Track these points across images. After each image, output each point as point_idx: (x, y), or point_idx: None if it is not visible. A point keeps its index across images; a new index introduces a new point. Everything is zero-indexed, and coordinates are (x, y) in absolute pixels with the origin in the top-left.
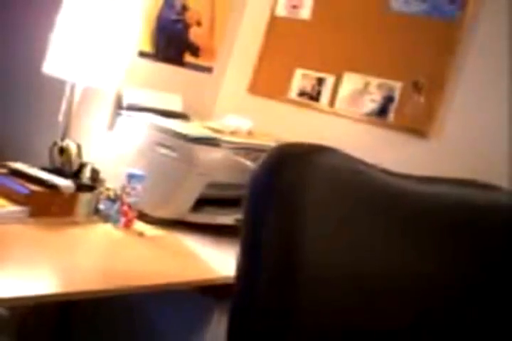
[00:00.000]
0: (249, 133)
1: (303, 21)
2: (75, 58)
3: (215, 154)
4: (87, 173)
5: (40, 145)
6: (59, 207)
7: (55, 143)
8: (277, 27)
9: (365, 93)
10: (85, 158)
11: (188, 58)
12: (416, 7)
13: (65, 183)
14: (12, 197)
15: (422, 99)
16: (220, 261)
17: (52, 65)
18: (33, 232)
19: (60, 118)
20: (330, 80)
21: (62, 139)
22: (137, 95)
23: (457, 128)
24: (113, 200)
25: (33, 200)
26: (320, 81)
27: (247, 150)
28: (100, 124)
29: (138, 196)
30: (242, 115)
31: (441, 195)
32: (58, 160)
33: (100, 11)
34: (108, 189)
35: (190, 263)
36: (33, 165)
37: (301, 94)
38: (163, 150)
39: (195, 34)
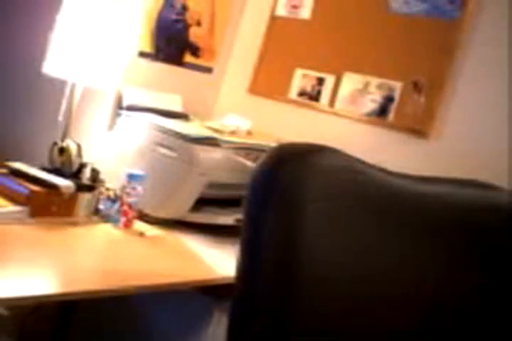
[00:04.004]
0: (249, 133)
1: (303, 21)
2: (75, 58)
3: (215, 154)
4: (87, 173)
5: (40, 145)
6: (59, 207)
7: (55, 143)
8: (277, 27)
9: (365, 93)
10: (85, 158)
11: (188, 58)
12: (416, 7)
13: (65, 183)
14: (12, 197)
15: (422, 99)
16: (220, 261)
17: (52, 65)
18: (33, 232)
19: (60, 118)
20: (330, 80)
21: (62, 139)
22: (137, 95)
23: (457, 128)
24: (113, 200)
25: (33, 200)
26: (320, 81)
27: (247, 150)
28: (100, 124)
29: (138, 196)
30: (242, 115)
31: (440, 194)
32: (58, 160)
33: (100, 11)
34: (108, 189)
35: (190, 263)
36: (33, 165)
37: (301, 94)
38: (163, 150)
39: (195, 34)
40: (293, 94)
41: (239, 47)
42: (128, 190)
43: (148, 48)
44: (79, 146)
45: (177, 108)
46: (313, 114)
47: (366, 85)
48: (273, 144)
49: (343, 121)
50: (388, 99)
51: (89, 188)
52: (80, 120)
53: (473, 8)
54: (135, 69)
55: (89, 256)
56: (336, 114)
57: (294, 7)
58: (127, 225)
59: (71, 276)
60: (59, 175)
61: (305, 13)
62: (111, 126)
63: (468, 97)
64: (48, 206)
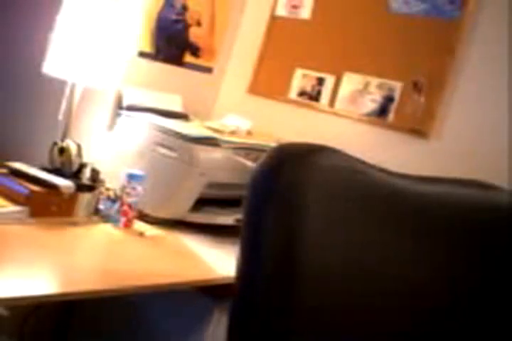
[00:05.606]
0: (249, 133)
1: (303, 21)
2: (75, 58)
3: (215, 154)
4: (87, 173)
5: (40, 145)
6: (59, 207)
7: (55, 143)
8: (277, 27)
9: (365, 93)
10: (85, 158)
11: (188, 58)
12: (416, 7)
13: (65, 183)
14: (12, 197)
15: (422, 99)
16: (220, 261)
17: (52, 65)
18: (33, 232)
19: (60, 118)
20: (330, 80)
21: (62, 139)
22: (137, 95)
23: (457, 128)
24: (113, 200)
25: (33, 200)
26: (320, 81)
27: (247, 150)
28: (100, 124)
29: (138, 196)
30: (242, 115)
31: (441, 194)
32: (58, 160)
33: (100, 11)
34: (108, 189)
35: (190, 263)
36: (33, 165)
37: (301, 94)
38: (163, 150)
39: (195, 34)
40: (293, 94)
41: (239, 47)
42: (128, 190)
43: (148, 48)
44: (79, 146)
45: (177, 108)
46: (313, 114)
47: (366, 85)
48: (273, 144)
49: (343, 121)
50: (388, 99)
51: (89, 188)
52: (80, 120)
53: (473, 8)
54: (135, 69)
55: (89, 256)
56: (336, 114)
57: (294, 7)
58: (127, 225)
59: (71, 276)
60: (59, 175)
61: (305, 13)
62: (111, 126)
63: (468, 97)
64: (47, 206)
